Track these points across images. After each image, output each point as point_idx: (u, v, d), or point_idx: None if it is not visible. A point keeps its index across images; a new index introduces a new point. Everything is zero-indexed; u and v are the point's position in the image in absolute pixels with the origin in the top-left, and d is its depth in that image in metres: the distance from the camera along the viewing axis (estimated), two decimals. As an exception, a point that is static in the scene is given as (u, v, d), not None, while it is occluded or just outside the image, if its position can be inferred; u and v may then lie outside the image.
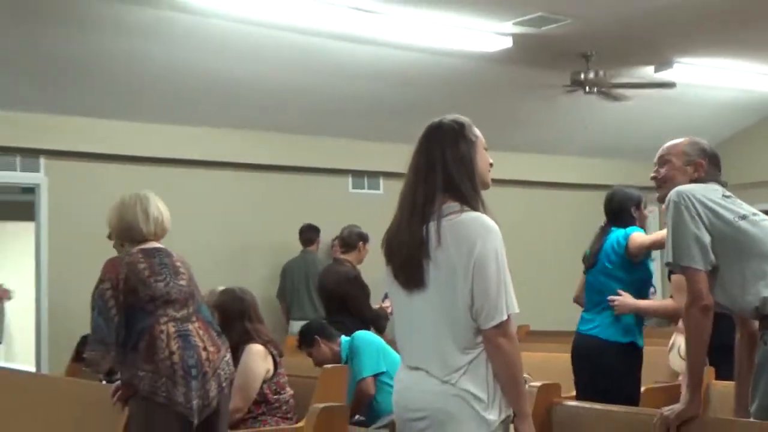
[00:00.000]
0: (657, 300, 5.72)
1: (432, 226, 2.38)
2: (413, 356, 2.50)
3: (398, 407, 2.54)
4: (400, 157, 7.66)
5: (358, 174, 8.67)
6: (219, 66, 6.59)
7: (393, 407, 2.61)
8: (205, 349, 3.49)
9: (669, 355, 5.25)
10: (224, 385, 3.56)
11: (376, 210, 7.54)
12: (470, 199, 2.41)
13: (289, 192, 8.28)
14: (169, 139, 7.64)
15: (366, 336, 5.12)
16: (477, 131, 2.52)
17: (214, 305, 4.35)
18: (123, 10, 5.64)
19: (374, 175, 8.69)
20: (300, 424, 3.90)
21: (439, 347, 2.40)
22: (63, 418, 4.36)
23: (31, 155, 7.23)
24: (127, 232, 3.69)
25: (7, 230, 11.20)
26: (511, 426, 2.47)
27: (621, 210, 4.35)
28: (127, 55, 6.32)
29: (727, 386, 3.26)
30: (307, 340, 5.22)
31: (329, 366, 4.80)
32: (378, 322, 6.08)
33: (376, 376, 4.97)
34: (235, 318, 4.33)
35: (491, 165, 2.56)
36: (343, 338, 5.23)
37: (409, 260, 2.45)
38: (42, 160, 7.28)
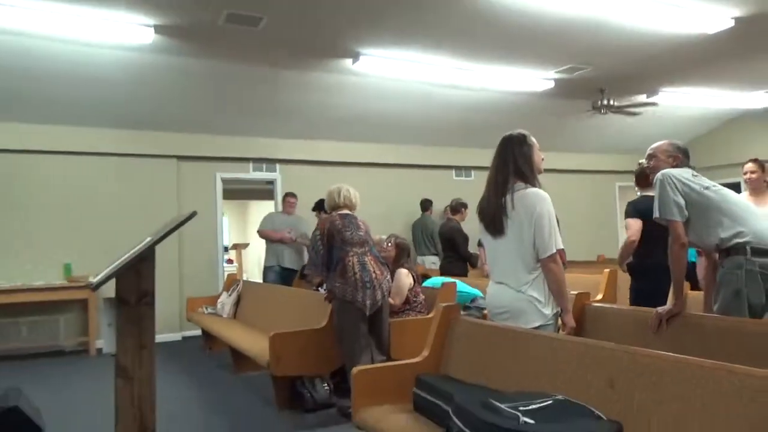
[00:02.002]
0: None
1: (508, 197, 2.50)
2: (497, 275, 2.60)
3: (490, 306, 2.66)
4: (483, 157, 8.60)
5: (458, 168, 9.02)
6: (376, 106, 7.04)
7: (486, 306, 2.77)
8: (374, 272, 3.78)
9: None
10: (385, 293, 3.85)
11: (470, 190, 8.17)
12: (531, 180, 2.54)
13: (416, 180, 8.68)
14: (352, 151, 8.23)
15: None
16: (533, 139, 2.63)
17: (396, 244, 4.60)
18: (318, 75, 6.03)
19: (468, 168, 9.03)
20: (430, 315, 4.17)
21: (513, 270, 2.50)
22: (297, 309, 4.64)
23: (271, 162, 7.89)
24: (331, 203, 4.01)
25: (259, 206, 11.45)
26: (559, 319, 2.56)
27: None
28: (322, 102, 6.78)
29: (697, 295, 3.13)
30: None
31: (446, 281, 4.90)
32: (471, 260, 6.34)
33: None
34: (403, 253, 4.57)
35: (543, 159, 2.65)
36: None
37: (494, 218, 2.55)
38: (277, 165, 7.93)
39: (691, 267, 3.02)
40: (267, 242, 6.88)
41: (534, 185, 2.54)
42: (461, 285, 4.85)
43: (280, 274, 6.73)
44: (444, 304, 2.83)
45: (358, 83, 6.26)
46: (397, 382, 2.61)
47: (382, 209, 8.06)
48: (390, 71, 5.92)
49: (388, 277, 3.98)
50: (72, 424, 3.87)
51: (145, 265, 2.16)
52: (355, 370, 2.63)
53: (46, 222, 6.68)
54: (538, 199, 2.49)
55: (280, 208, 7.51)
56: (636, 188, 4.00)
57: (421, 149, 8.60)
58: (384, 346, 3.92)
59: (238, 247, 9.08)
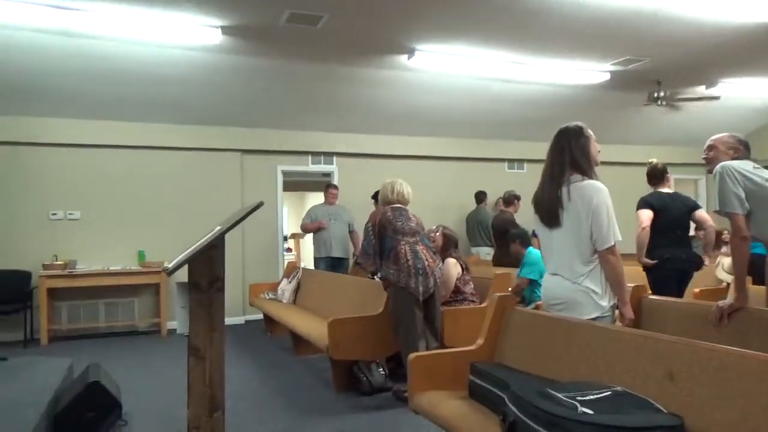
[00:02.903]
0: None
1: (564, 189, 2.44)
2: (553, 267, 2.55)
3: (545, 297, 2.61)
4: (536, 150, 8.49)
5: (511, 161, 8.87)
6: (429, 101, 6.97)
7: (541, 297, 2.68)
8: (426, 260, 3.83)
9: (716, 269, 5.13)
10: (438, 281, 3.88)
11: (522, 182, 8.03)
12: (588, 172, 2.47)
13: (469, 173, 8.59)
14: (406, 144, 8.22)
15: (535, 254, 4.92)
16: (590, 131, 2.56)
17: (443, 234, 4.55)
18: (374, 72, 6.01)
19: (520, 161, 8.88)
20: (483, 305, 4.25)
21: (569, 261, 2.44)
22: (354, 296, 4.72)
23: (329, 155, 7.97)
24: (384, 198, 4.08)
25: (316, 198, 10.44)
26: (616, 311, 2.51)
27: None
28: (377, 97, 6.80)
29: (760, 289, 3.04)
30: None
31: (498, 271, 4.92)
32: None
33: (530, 280, 4.96)
34: (450, 244, 4.55)
35: (599, 151, 2.59)
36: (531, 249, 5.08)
37: (549, 210, 2.50)
38: (334, 158, 8.00)
39: (760, 260, 2.85)
40: (313, 234, 6.95)
41: (591, 177, 2.48)
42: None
43: (329, 264, 6.80)
44: (499, 294, 2.81)
45: (413, 79, 6.24)
46: (453, 368, 2.61)
47: (436, 201, 8.04)
48: (444, 66, 5.86)
49: (441, 265, 3.98)
50: (146, 400, 4.05)
51: (216, 252, 2.23)
52: (411, 356, 2.64)
53: (122, 212, 6.99)
54: (595, 191, 2.42)
55: (337, 199, 7.60)
56: (649, 185, 4.23)
57: (474, 142, 8.52)
58: (437, 333, 3.94)
59: (296, 236, 9.22)
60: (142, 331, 6.96)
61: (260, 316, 6.93)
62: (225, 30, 4.82)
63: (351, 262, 7.12)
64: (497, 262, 6.21)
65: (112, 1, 4.27)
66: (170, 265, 2.21)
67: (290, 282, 6.34)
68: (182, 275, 2.17)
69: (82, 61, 5.38)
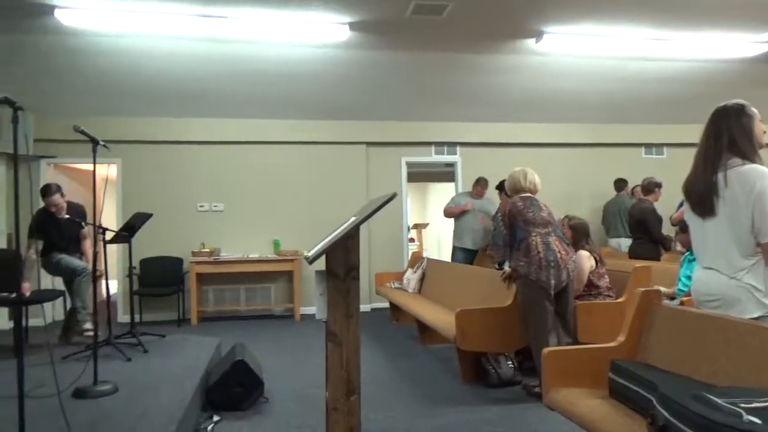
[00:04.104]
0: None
1: (720, 174, 2.23)
2: (706, 260, 2.33)
3: (696, 293, 2.39)
4: (678, 132, 7.79)
5: (648, 145, 8.32)
6: (558, 85, 6.72)
7: (692, 292, 2.44)
8: (559, 252, 3.69)
9: None
10: (571, 273, 3.74)
11: (661, 168, 7.45)
12: (750, 156, 2.23)
13: (601, 159, 8.21)
14: (533, 131, 8.04)
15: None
16: (754, 109, 2.29)
17: (569, 225, 4.37)
18: (499, 58, 5.88)
19: (659, 145, 8.28)
20: (619, 300, 4.10)
21: (725, 254, 2.24)
22: (481, 287, 4.70)
23: (452, 145, 7.98)
24: (513, 186, 3.96)
25: (438, 188, 11.58)
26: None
27: None
28: (503, 84, 6.67)
29: None
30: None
31: (637, 264, 4.53)
32: (665, 243, 5.82)
33: None
34: (581, 235, 4.36)
35: (765, 132, 2.35)
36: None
37: (703, 198, 2.28)
38: (458, 148, 8.00)
39: None
40: (454, 222, 6.94)
41: (754, 161, 2.21)
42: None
43: (466, 255, 6.76)
44: (643, 289, 2.62)
45: (541, 63, 6.02)
46: (590, 365, 2.49)
47: (566, 191, 7.82)
48: (575, 48, 5.58)
49: (574, 257, 3.83)
50: (283, 379, 4.32)
51: (352, 242, 2.32)
52: (545, 350, 2.55)
53: (259, 204, 7.50)
54: (758, 176, 2.16)
55: (461, 189, 7.63)
56: None
57: (608, 127, 8.10)
58: (570, 328, 3.81)
59: (419, 227, 9.34)
60: (278, 315, 7.43)
61: (386, 304, 7.14)
62: (353, 26, 4.96)
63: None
64: (633, 254, 5.82)
65: (250, 6, 4.56)
66: (310, 254, 2.33)
67: (415, 272, 6.42)
68: (320, 263, 2.28)
69: (224, 65, 5.81)
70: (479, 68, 6.17)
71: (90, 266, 4.81)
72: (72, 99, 6.54)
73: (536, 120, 7.82)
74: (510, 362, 4.05)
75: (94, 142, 3.35)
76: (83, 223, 4.89)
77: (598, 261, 4.28)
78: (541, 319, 3.64)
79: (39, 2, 4.37)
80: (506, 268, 4.26)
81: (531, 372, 3.98)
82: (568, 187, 7.94)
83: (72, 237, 5.03)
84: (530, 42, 5.46)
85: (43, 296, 5.13)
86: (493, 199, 6.91)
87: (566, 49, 5.62)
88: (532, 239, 3.68)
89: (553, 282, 3.63)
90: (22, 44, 5.12)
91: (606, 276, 4.31)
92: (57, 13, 4.51)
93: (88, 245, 5.08)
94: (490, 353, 4.07)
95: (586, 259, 4.21)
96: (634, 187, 7.30)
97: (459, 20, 4.91)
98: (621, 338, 2.55)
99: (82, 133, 3.27)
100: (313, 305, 7.24)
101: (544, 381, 2.52)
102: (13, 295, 4.51)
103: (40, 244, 4.88)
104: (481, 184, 6.99)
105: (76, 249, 5.05)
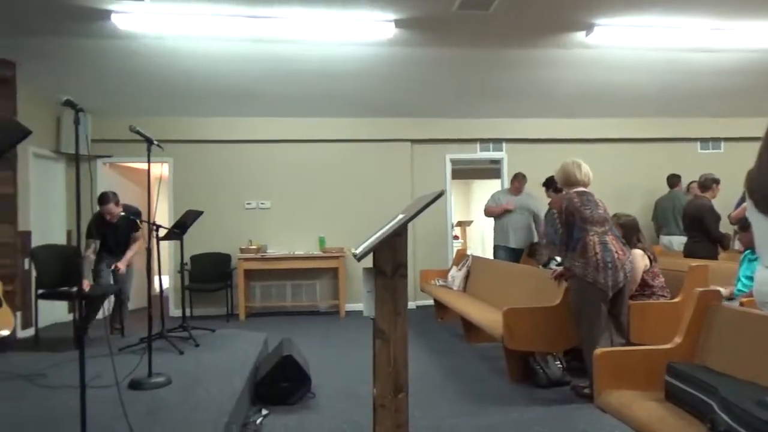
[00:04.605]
0: None
1: None
2: None
3: (759, 294, 2.28)
4: (736, 126, 7.45)
5: (704, 140, 7.99)
6: (609, 79, 6.53)
7: (755, 294, 2.31)
8: (616, 252, 3.57)
9: None
10: (628, 274, 3.62)
11: (718, 163, 7.18)
12: None
13: (654, 155, 7.97)
14: (581, 127, 7.86)
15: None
16: None
17: (618, 224, 4.19)
18: (547, 52, 5.75)
19: (716, 140, 7.95)
20: (675, 300, 4.00)
21: None
22: (528, 286, 4.64)
23: (498, 142, 7.88)
24: (567, 180, 3.77)
25: (482, 185, 11.34)
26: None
27: None
28: (551, 79, 6.54)
29: None
30: None
31: (695, 264, 4.36)
32: (723, 241, 5.62)
33: None
34: (631, 232, 4.20)
35: None
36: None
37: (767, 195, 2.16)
38: (504, 144, 7.90)
39: None
40: (495, 220, 6.85)
41: None
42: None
43: (509, 254, 6.67)
44: (701, 289, 2.55)
45: (591, 56, 5.87)
46: (645, 367, 2.43)
47: (616, 187, 7.66)
48: (627, 40, 5.41)
49: (631, 257, 3.71)
50: (329, 375, 4.37)
51: (399, 240, 2.33)
52: (598, 351, 2.49)
53: (304, 201, 7.59)
54: None
55: (506, 186, 7.48)
56: None
57: (660, 121, 7.83)
58: (623, 329, 3.70)
59: (463, 224, 9.27)
60: (323, 311, 7.52)
61: (430, 301, 7.14)
62: (398, 23, 4.95)
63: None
64: (689, 252, 5.62)
65: (295, 6, 4.62)
66: (358, 252, 2.35)
67: (460, 269, 6.38)
68: (367, 261, 2.29)
69: (271, 64, 5.90)
70: (526, 63, 6.06)
71: (123, 266, 5.08)
72: (126, 100, 6.78)
73: (585, 115, 7.64)
74: (558, 362, 3.99)
75: (149, 141, 3.45)
76: (139, 221, 5.07)
77: (652, 260, 4.17)
78: (594, 320, 3.55)
79: (97, 8, 4.54)
80: (553, 266, 4.19)
81: (579, 372, 3.92)
82: (619, 183, 7.74)
83: (124, 241, 5.22)
84: (580, 35, 5.33)
85: (101, 290, 5.33)
86: (532, 194, 6.80)
87: (617, 41, 5.45)
88: (590, 239, 3.57)
89: (610, 283, 3.53)
90: (80, 48, 5.34)
91: (660, 275, 4.19)
92: (113, 17, 4.68)
93: (135, 246, 5.26)
94: (538, 353, 4.01)
95: (640, 258, 4.09)
96: (690, 184, 7.07)
97: (506, 14, 4.84)
98: (678, 340, 2.47)
99: (137, 133, 3.37)
100: (357, 302, 7.31)
101: (597, 382, 2.46)
102: (74, 289, 4.74)
103: (98, 244, 5.10)
104: (518, 179, 6.84)
105: (124, 252, 5.22)
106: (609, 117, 7.71)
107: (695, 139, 7.99)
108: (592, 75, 6.41)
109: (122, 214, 5.05)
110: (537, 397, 3.75)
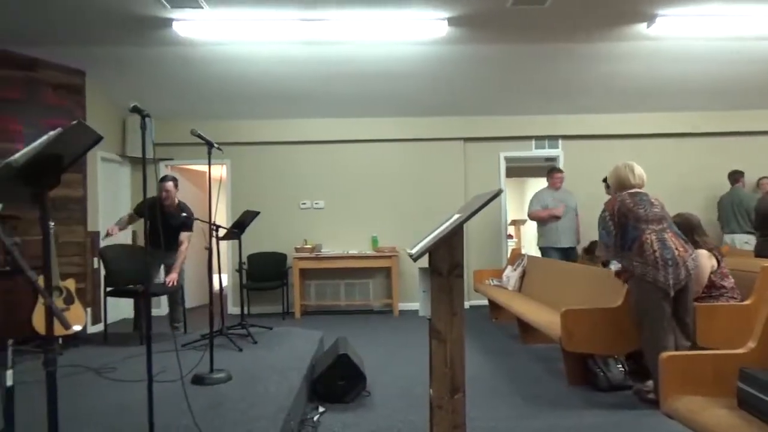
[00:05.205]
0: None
1: None
2: None
3: None
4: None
5: None
6: (672, 71, 6.28)
7: None
8: (677, 249, 3.45)
9: None
10: (691, 271, 3.47)
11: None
12: None
13: (718, 150, 7.58)
14: (641, 122, 7.59)
15: None
16: None
17: (676, 223, 3.99)
18: (605, 46, 5.64)
19: None
20: (746, 302, 3.78)
21: None
22: (586, 286, 4.55)
23: (553, 139, 7.71)
24: (621, 185, 3.73)
25: (537, 184, 10.69)
26: None
27: None
28: (610, 73, 6.37)
29: None
30: None
31: (766, 263, 4.03)
32: None
33: None
34: (688, 230, 3.98)
35: None
36: None
37: None
38: (560, 141, 7.72)
39: None
40: (539, 223, 6.68)
41: None
42: None
43: (560, 254, 6.51)
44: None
45: (653, 48, 5.69)
46: (715, 373, 2.31)
47: (677, 184, 7.40)
48: (692, 30, 5.22)
49: (693, 255, 3.56)
50: (384, 374, 4.38)
51: (456, 240, 2.31)
52: (664, 355, 2.39)
53: (357, 201, 7.65)
54: None
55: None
56: None
57: (728, 114, 7.47)
58: (689, 331, 3.53)
59: (517, 223, 9.07)
60: (376, 310, 7.55)
61: (484, 301, 7.05)
62: (451, 21, 4.92)
63: (580, 249, 6.81)
64: (761, 252, 5.34)
65: (348, 7, 4.66)
66: (414, 252, 2.34)
67: (515, 269, 6.28)
68: (422, 260, 2.29)
69: (324, 66, 5.98)
70: (584, 57, 5.93)
71: (175, 273, 5.11)
72: (185, 104, 7.02)
73: (646, 109, 7.36)
74: (620, 365, 3.86)
75: (209, 144, 3.55)
76: (194, 220, 5.20)
77: (719, 259, 3.97)
78: (657, 321, 3.42)
79: (160, 16, 4.72)
80: (612, 267, 4.06)
81: (643, 376, 3.77)
82: (682, 181, 7.45)
83: (171, 236, 5.21)
84: (641, 27, 5.15)
85: (164, 289, 5.53)
86: (568, 189, 6.74)
87: (681, 32, 5.26)
88: (646, 237, 3.47)
89: (671, 281, 3.40)
90: (143, 55, 5.57)
91: (730, 276, 3.98)
92: (175, 25, 4.85)
93: (182, 251, 5.25)
94: (598, 355, 3.89)
95: (706, 259, 3.91)
96: (761, 179, 6.79)
97: (563, 8, 4.74)
98: (751, 344, 2.34)
99: (199, 136, 3.48)
100: (410, 301, 7.31)
101: (662, 387, 2.37)
102: (139, 288, 4.95)
103: (135, 218, 5.23)
104: (555, 175, 6.69)
105: (172, 246, 5.23)
106: (669, 110, 7.41)
107: (765, 132, 7.54)
108: (654, 67, 6.20)
109: (178, 202, 5.18)
110: (597, 401, 3.65)
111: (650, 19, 4.99)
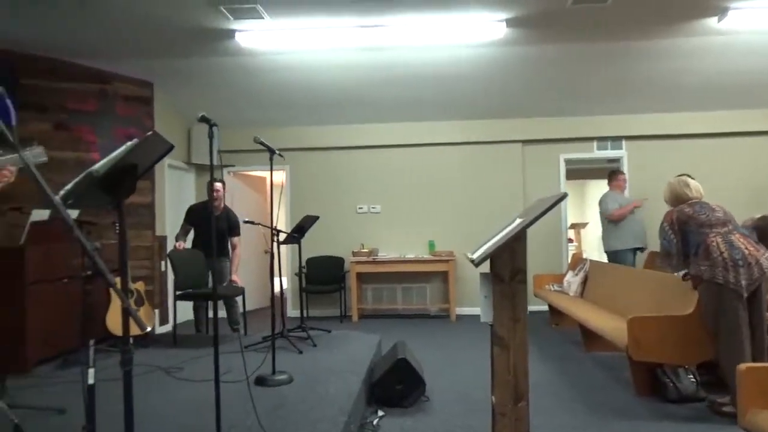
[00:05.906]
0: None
1: None
2: None
3: None
4: None
5: None
6: (746, 66, 5.96)
7: None
8: (746, 248, 3.37)
9: None
10: (765, 271, 3.34)
11: None
12: None
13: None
14: (711, 121, 7.21)
15: None
16: None
17: (753, 226, 4.02)
18: (672, 42, 5.39)
19: None
20: None
21: None
22: (653, 292, 4.42)
23: (617, 140, 7.47)
24: (677, 200, 3.72)
25: (598, 186, 10.51)
26: None
27: None
28: (677, 71, 6.08)
29: None
30: None
31: None
32: None
33: None
34: (764, 234, 3.90)
35: None
36: None
37: None
38: (623, 142, 7.47)
39: None
40: (615, 224, 6.44)
41: None
42: None
43: (633, 256, 6.28)
44: None
45: (724, 43, 5.41)
46: (799, 387, 2.18)
47: (750, 185, 6.94)
48: (766, 23, 4.92)
49: (767, 254, 3.39)
50: (443, 380, 4.35)
51: (518, 245, 2.26)
52: (742, 366, 2.27)
53: (414, 205, 7.65)
54: None
55: (627, 185, 7.08)
56: None
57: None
58: (760, 346, 3.33)
59: (577, 227, 8.86)
60: (433, 314, 7.52)
61: (544, 307, 6.91)
62: (509, 22, 4.86)
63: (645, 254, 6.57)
64: None
65: (405, 12, 4.67)
66: (475, 257, 2.32)
67: (577, 274, 6.12)
68: (483, 265, 2.26)
69: (381, 71, 6.02)
70: (649, 55, 5.70)
71: (238, 278, 5.29)
72: (246, 112, 7.22)
73: (716, 107, 7.02)
74: (691, 376, 3.69)
75: (271, 151, 3.64)
76: (246, 221, 5.32)
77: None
78: (733, 328, 3.28)
79: (222, 28, 4.88)
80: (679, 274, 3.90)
81: (717, 388, 3.62)
82: (757, 181, 7.01)
83: (219, 237, 5.40)
84: (711, 21, 4.92)
85: (231, 291, 5.70)
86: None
87: (756, 24, 4.97)
88: (711, 240, 3.39)
89: (744, 282, 3.28)
90: (207, 66, 5.77)
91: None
92: (237, 36, 5.01)
93: (237, 254, 5.47)
94: (667, 365, 3.74)
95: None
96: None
97: (626, 5, 4.58)
98: (840, 357, 2.20)
99: (261, 143, 3.56)
100: (467, 306, 7.25)
101: (741, 400, 2.25)
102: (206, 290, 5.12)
103: (189, 229, 5.43)
104: (620, 176, 6.49)
105: (222, 252, 5.46)
106: (743, 108, 7.03)
107: None
108: (725, 64, 5.91)
109: (224, 205, 5.36)
110: (667, 413, 3.50)
111: (721, 12, 4.75)
